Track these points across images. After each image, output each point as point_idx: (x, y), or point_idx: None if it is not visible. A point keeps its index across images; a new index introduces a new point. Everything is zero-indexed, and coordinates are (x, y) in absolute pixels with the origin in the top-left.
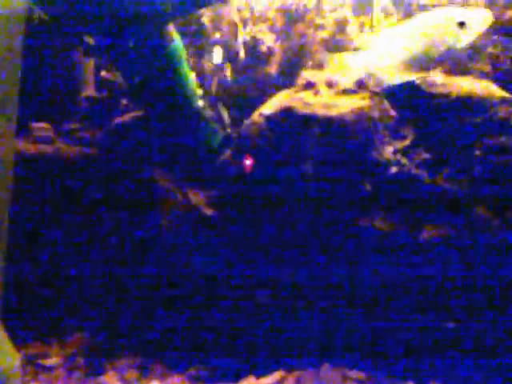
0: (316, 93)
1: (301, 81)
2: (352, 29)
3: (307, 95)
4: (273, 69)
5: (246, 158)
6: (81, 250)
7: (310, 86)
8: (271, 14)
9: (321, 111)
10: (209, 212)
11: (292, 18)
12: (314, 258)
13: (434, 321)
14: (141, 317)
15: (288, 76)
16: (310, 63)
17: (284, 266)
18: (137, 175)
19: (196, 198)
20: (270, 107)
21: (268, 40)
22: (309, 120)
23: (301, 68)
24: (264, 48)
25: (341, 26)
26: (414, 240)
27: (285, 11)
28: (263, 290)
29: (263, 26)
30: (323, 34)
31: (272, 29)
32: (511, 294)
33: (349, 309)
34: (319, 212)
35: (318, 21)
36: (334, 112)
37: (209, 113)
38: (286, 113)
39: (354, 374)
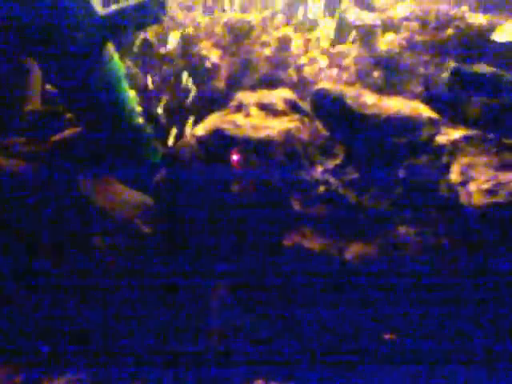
0: (247, 115)
1: (233, 102)
2: (295, 46)
3: (238, 117)
4: (221, 83)
5: (234, 154)
6: (19, 264)
7: (241, 107)
8: (218, 30)
9: (250, 133)
10: (146, 230)
11: (238, 34)
12: (246, 275)
13: (360, 333)
14: (82, 333)
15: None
16: (256, 77)
17: (215, 285)
18: (76, 192)
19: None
20: (202, 128)
21: (214, 56)
22: (238, 141)
23: (246, 83)
24: (209, 64)
25: (284, 43)
26: (340, 258)
27: (231, 27)
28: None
29: (209, 43)
30: (267, 51)
31: (218, 44)
32: (434, 309)
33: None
34: (249, 231)
35: (263, 38)
36: (262, 134)
37: (149, 130)
38: (217, 134)
39: None
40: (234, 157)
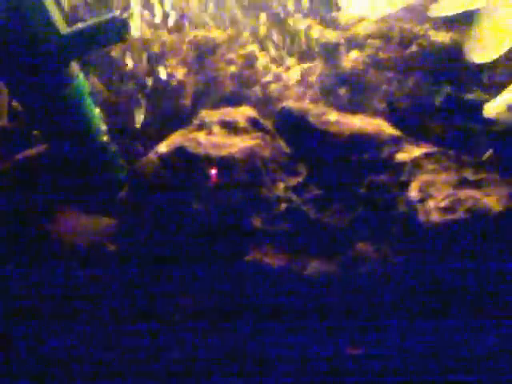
0: (209, 132)
1: (196, 121)
2: (261, 63)
3: (200, 135)
4: (186, 101)
5: (212, 169)
6: None
7: (204, 125)
8: (183, 47)
9: (211, 151)
10: (112, 248)
11: (203, 52)
12: (208, 290)
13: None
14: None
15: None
16: (221, 95)
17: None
18: (39, 210)
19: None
20: (164, 146)
21: (179, 73)
22: (200, 159)
23: (213, 100)
24: (175, 82)
25: (250, 61)
26: (300, 275)
27: (196, 44)
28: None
29: (174, 60)
30: (233, 69)
31: (184, 62)
32: (395, 324)
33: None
34: (210, 247)
35: (229, 55)
36: (223, 152)
37: (114, 148)
38: (179, 152)
39: None
40: (213, 171)
